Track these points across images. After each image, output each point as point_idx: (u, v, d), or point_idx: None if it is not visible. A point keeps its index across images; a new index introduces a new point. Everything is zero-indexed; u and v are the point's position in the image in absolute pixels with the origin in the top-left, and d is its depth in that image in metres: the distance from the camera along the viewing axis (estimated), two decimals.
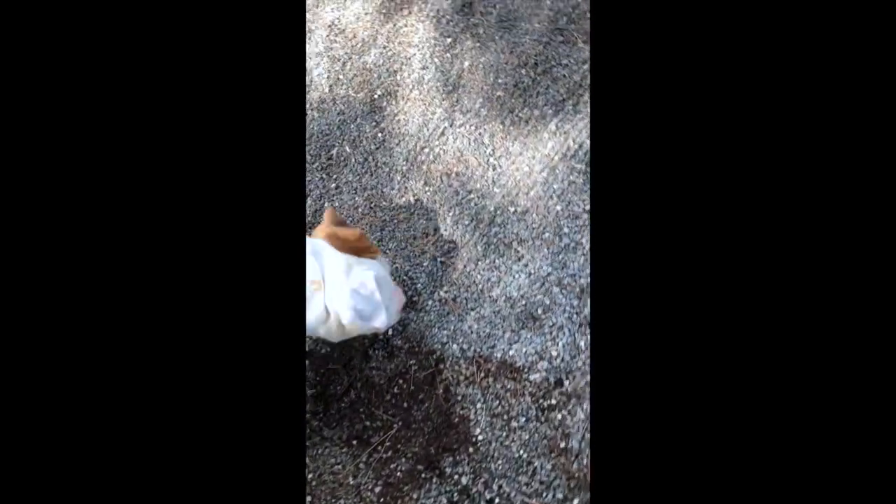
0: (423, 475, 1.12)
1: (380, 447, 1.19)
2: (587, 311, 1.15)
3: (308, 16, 1.75)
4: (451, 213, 1.35)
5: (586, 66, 1.37)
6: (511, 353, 1.17)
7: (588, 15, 1.43)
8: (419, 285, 1.30)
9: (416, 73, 1.53)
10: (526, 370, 1.15)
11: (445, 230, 1.34)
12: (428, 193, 1.39)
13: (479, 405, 1.15)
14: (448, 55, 1.52)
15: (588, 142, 1.30)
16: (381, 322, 1.10)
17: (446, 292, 1.28)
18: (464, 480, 1.10)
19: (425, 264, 1.32)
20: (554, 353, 1.14)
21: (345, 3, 1.73)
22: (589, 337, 1.13)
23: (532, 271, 1.22)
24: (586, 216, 1.23)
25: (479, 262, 1.27)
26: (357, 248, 1.15)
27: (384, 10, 1.66)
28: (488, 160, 1.37)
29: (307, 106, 1.59)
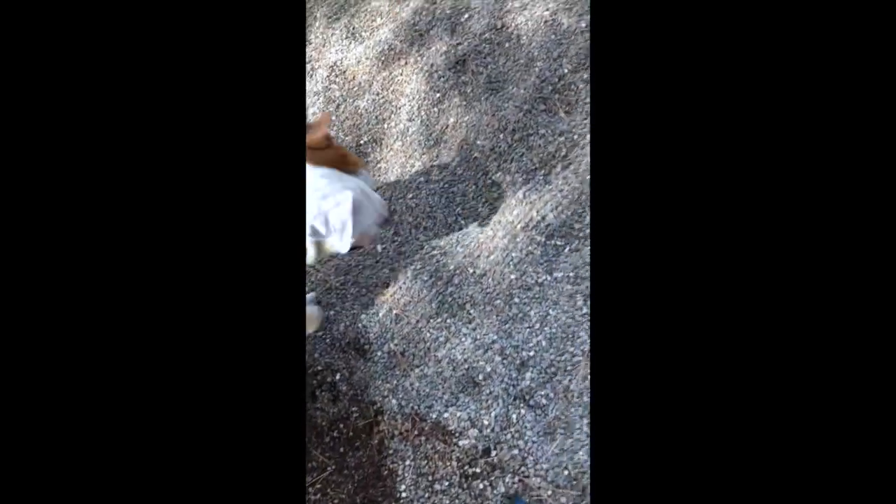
0: None
1: (310, 488, 1.23)
2: (524, 383, 1.18)
3: (314, 54, 1.82)
4: (413, 267, 1.39)
5: (563, 138, 1.40)
6: (446, 415, 1.20)
7: (573, 87, 1.46)
8: (371, 335, 1.34)
9: (402, 124, 1.58)
10: (457, 435, 1.18)
11: (405, 283, 1.38)
12: (395, 244, 1.44)
13: (408, 462, 1.18)
14: (435, 109, 1.57)
15: (551, 215, 1.32)
16: (338, 245, 1.05)
17: (396, 345, 1.31)
18: None
19: (381, 314, 1.37)
20: (486, 422, 1.17)
21: (349, 45, 1.80)
22: (522, 410, 1.15)
23: (478, 336, 1.25)
24: (538, 288, 1.26)
25: (431, 320, 1.31)
26: (333, 160, 1.10)
27: (383, 58, 1.72)
28: (456, 219, 1.41)
29: None
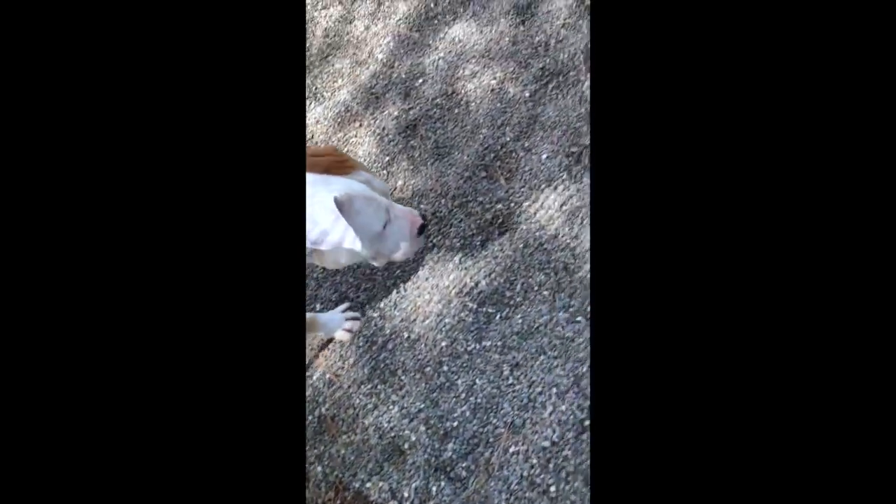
0: None
1: None
2: (446, 454, 1.17)
3: None
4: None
5: (500, 206, 1.43)
6: (368, 485, 1.19)
7: (514, 154, 1.50)
8: (305, 398, 1.34)
9: None
10: None
11: (340, 346, 1.39)
12: (332, 304, 1.45)
13: None
14: (384, 172, 1.61)
15: (484, 282, 1.34)
16: (327, 244, 1.01)
17: (327, 410, 1.32)
18: None
19: (315, 377, 1.37)
20: (406, 494, 1.16)
21: (310, 105, 1.86)
22: (442, 483, 1.15)
23: (406, 405, 1.25)
24: (467, 356, 1.27)
25: (363, 386, 1.31)
26: (327, 165, 1.08)
27: (340, 119, 1.78)
28: (395, 280, 1.43)
29: None
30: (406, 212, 1.20)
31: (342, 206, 1.04)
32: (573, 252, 1.31)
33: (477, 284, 1.35)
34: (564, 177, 1.41)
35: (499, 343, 1.25)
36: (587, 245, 1.31)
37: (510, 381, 1.21)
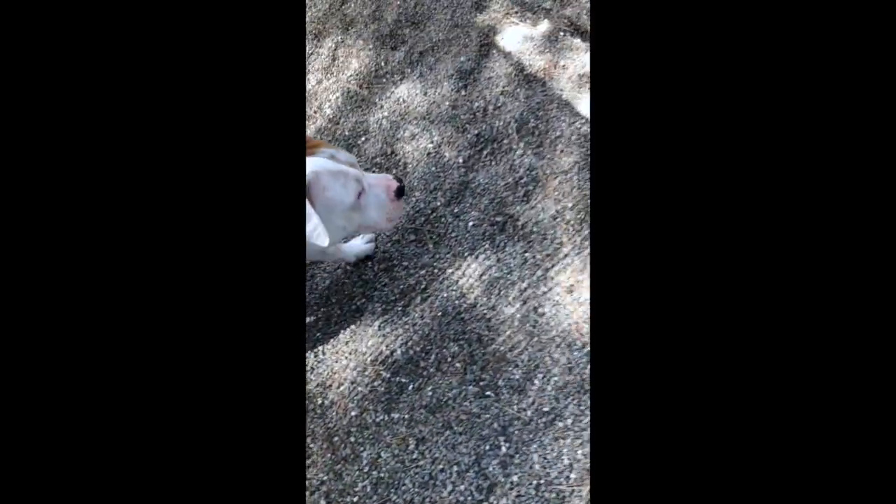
0: None
1: None
2: None
3: None
4: None
5: (424, 271, 1.44)
6: None
7: (443, 219, 1.51)
8: None
9: None
10: None
11: None
12: None
13: None
14: None
15: (400, 350, 1.34)
16: (315, 236, 0.96)
17: None
18: None
19: None
20: None
21: None
22: None
23: (310, 475, 1.23)
24: (375, 428, 1.25)
25: None
26: None
27: None
28: (315, 344, 1.42)
29: None
30: (380, 178, 1.16)
31: (308, 186, 0.99)
32: (488, 323, 1.31)
33: (392, 353, 1.34)
34: (487, 246, 1.42)
35: (407, 416, 1.24)
36: (502, 317, 1.31)
37: (414, 455, 1.19)
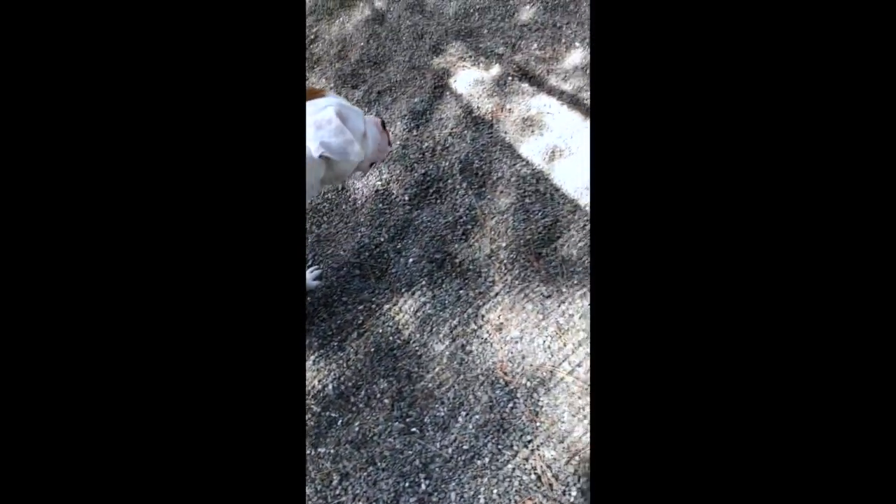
0: None
1: None
2: None
3: None
4: None
5: (362, 307, 1.47)
6: None
7: (385, 255, 1.55)
8: None
9: None
10: None
11: None
12: None
13: None
14: None
15: (331, 385, 1.36)
16: (355, 154, 1.15)
17: None
18: None
19: None
20: None
21: None
22: None
23: None
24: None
25: None
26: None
27: None
28: None
29: None
30: (371, 116, 1.34)
31: (344, 114, 1.16)
32: (419, 360, 1.34)
33: (325, 387, 1.36)
34: (424, 283, 1.46)
35: (332, 451, 1.26)
36: (432, 354, 1.34)
37: (337, 491, 1.21)
